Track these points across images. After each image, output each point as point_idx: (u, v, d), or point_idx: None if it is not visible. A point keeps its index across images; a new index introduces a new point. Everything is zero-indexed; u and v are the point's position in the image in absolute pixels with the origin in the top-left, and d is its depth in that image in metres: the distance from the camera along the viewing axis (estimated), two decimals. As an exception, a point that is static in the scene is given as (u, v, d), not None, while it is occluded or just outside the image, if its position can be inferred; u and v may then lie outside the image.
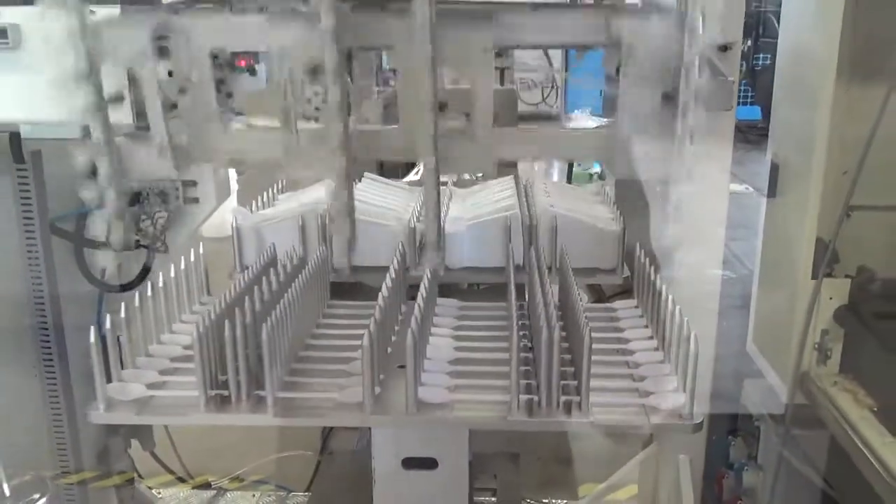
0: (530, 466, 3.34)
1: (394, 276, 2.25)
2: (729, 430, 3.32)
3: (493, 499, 2.81)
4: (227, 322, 1.85)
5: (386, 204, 2.90)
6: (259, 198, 2.92)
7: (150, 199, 2.66)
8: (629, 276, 2.62)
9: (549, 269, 2.44)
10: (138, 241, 2.56)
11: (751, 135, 5.57)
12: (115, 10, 1.92)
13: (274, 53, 1.85)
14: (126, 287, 2.66)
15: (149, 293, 2.18)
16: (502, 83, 4.89)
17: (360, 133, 2.00)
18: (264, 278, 2.15)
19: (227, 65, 2.12)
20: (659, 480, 3.27)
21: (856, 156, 2.54)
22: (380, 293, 2.08)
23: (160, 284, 2.24)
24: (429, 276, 2.25)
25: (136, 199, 2.64)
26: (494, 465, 2.82)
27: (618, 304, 2.51)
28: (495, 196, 2.94)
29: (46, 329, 2.71)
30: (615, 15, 1.84)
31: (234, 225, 2.65)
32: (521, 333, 2.03)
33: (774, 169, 2.90)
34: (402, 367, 1.95)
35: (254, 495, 3.87)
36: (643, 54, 1.76)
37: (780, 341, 2.88)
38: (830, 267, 2.70)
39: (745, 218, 3.54)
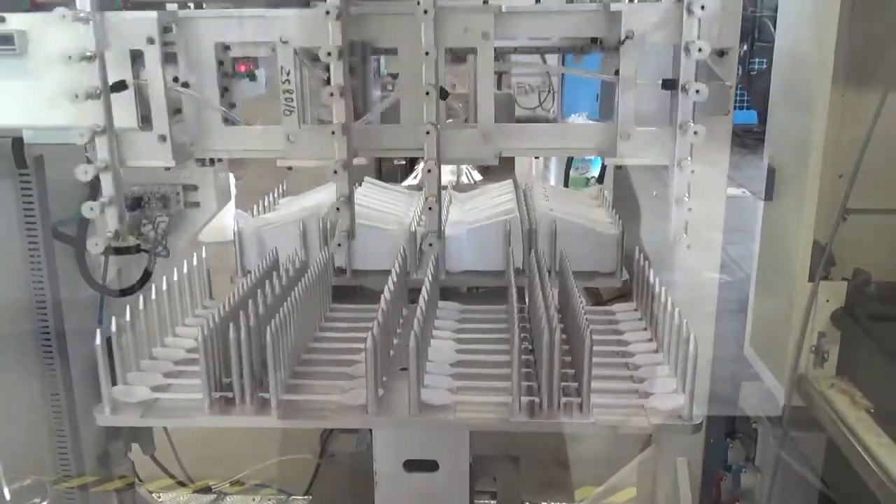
0: (530, 469, 3.34)
1: (395, 279, 2.26)
2: (727, 433, 3.33)
3: (494, 501, 2.82)
4: (231, 325, 1.87)
5: (386, 208, 2.91)
6: (260, 202, 2.93)
7: (152, 203, 2.68)
8: (627, 279, 2.65)
9: (549, 272, 2.46)
10: (139, 245, 2.57)
11: (747, 139, 5.59)
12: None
13: (277, 40, 1.86)
14: (127, 291, 2.67)
15: (153, 296, 2.19)
16: (500, 87, 4.92)
17: (363, 129, 2.01)
18: (267, 282, 2.16)
19: (229, 74, 2.14)
20: (657, 483, 3.28)
21: (851, 159, 2.56)
22: (382, 296, 2.10)
23: (164, 288, 2.26)
24: (430, 279, 2.26)
25: (137, 203, 2.66)
26: (494, 468, 2.83)
27: (617, 306, 2.53)
28: (495, 200, 2.97)
29: (48, 333, 2.71)
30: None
31: (235, 229, 2.67)
32: (521, 336, 2.04)
33: (771, 172, 2.92)
34: (405, 369, 1.98)
35: (254, 499, 3.88)
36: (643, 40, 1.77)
37: (777, 344, 2.89)
38: (827, 270, 2.72)
39: (742, 221, 3.56)
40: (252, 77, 3.31)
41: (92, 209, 2.06)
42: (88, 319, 2.75)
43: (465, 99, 2.80)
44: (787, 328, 2.79)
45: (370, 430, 2.35)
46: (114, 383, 1.95)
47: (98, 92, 1.82)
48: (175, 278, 2.33)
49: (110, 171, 1.95)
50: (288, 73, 1.86)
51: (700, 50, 1.60)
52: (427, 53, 1.76)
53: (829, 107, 2.59)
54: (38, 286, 2.66)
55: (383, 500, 2.26)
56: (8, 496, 2.74)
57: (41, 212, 2.60)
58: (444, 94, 1.84)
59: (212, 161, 2.66)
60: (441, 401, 1.94)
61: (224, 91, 2.08)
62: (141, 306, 2.12)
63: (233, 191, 2.87)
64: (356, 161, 2.01)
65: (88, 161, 2.56)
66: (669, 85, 1.76)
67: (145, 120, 2.03)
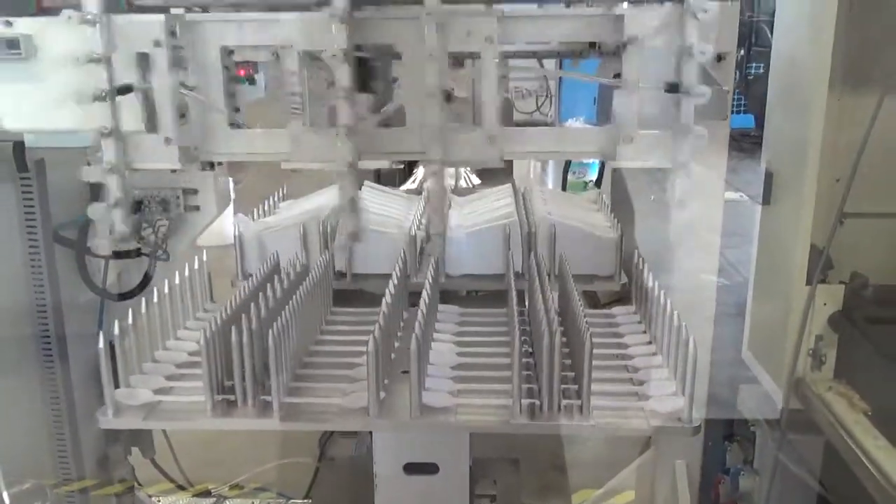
0: (529, 472, 3.35)
1: (396, 282, 2.27)
2: (725, 436, 3.33)
3: (493, 504, 2.83)
4: (233, 328, 1.88)
5: (385, 212, 2.93)
6: (261, 206, 2.94)
7: (152, 207, 2.68)
8: (626, 282, 2.66)
9: (549, 275, 2.48)
10: (139, 249, 2.58)
11: (744, 143, 5.61)
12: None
13: (282, 43, 1.86)
14: (127, 295, 2.67)
15: (155, 300, 2.20)
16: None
17: (368, 132, 2.01)
18: (269, 285, 2.17)
19: (233, 79, 2.14)
20: (656, 486, 3.29)
21: (848, 163, 2.58)
22: (383, 300, 2.11)
23: (165, 291, 2.27)
24: (430, 282, 2.28)
25: (137, 207, 2.66)
26: (494, 471, 2.84)
27: (616, 309, 2.55)
28: (494, 204, 2.98)
29: (48, 337, 2.71)
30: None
31: (236, 233, 2.68)
32: (522, 339, 2.06)
33: (769, 176, 2.93)
34: (406, 372, 1.99)
35: (253, 503, 3.88)
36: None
37: (775, 347, 2.90)
38: (824, 273, 2.73)
39: (739, 225, 3.58)
40: (252, 81, 3.33)
41: (97, 211, 2.06)
42: (88, 323, 2.75)
43: (465, 103, 2.81)
44: (784, 331, 2.80)
45: (370, 434, 2.35)
46: (116, 386, 1.96)
47: (104, 95, 1.82)
48: (177, 281, 2.34)
49: (116, 173, 1.95)
50: (293, 77, 1.87)
51: (703, 53, 1.61)
52: (430, 56, 1.77)
53: (826, 111, 2.60)
54: (38, 290, 2.65)
55: (383, 503, 2.27)
56: (7, 500, 2.74)
57: (42, 216, 2.60)
58: (448, 97, 1.84)
59: (212, 165, 2.67)
60: (442, 403, 1.95)
61: (230, 95, 2.09)
62: (143, 309, 2.13)
63: (231, 195, 2.88)
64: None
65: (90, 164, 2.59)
66: (673, 88, 1.77)
67: (151, 123, 2.03)
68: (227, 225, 2.77)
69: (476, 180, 4.61)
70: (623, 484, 3.30)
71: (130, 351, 2.03)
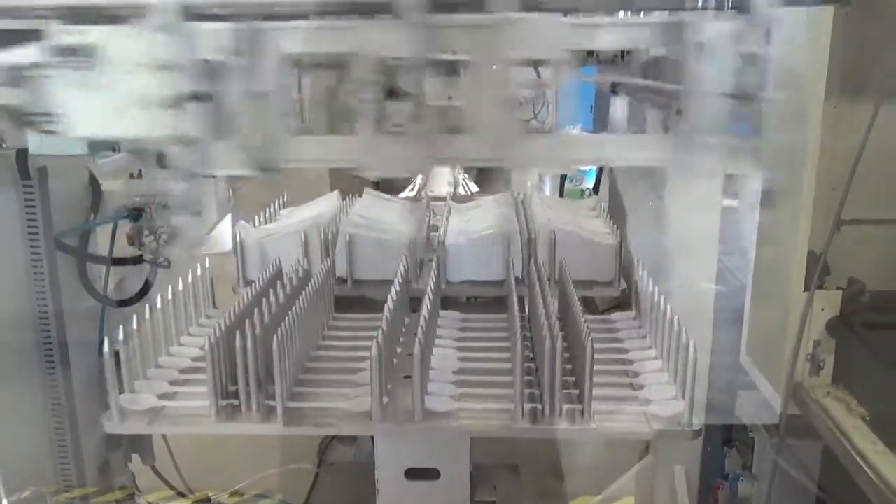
0: (528, 478, 3.36)
1: (398, 288, 2.29)
2: (724, 442, 3.35)
3: (494, 510, 2.84)
4: (238, 333, 1.89)
5: (387, 219, 2.95)
6: (262, 213, 2.96)
7: (153, 214, 2.69)
8: (625, 288, 2.68)
9: (549, 281, 2.49)
10: (140, 255, 2.59)
11: (740, 151, 5.61)
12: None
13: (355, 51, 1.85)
14: (127, 302, 2.68)
15: (158, 306, 2.21)
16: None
17: (440, 138, 2.01)
18: (271, 291, 2.19)
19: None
20: (655, 492, 3.30)
21: (845, 170, 2.60)
22: (386, 305, 2.13)
23: (169, 297, 2.28)
24: (432, 288, 2.29)
25: (138, 214, 2.68)
26: (495, 477, 2.85)
27: (616, 315, 2.57)
28: (494, 211, 3.00)
29: (50, 344, 2.72)
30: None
31: (238, 239, 2.69)
32: (524, 343, 2.07)
33: (766, 183, 2.96)
34: (408, 377, 2.00)
35: (253, 509, 3.88)
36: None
37: (773, 353, 2.92)
38: (822, 279, 2.74)
39: (735, 232, 3.59)
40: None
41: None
42: (89, 330, 2.75)
43: (459, 110, 2.83)
44: (782, 337, 2.82)
45: (371, 439, 2.36)
46: (120, 391, 1.97)
47: (175, 102, 1.80)
48: (180, 288, 2.35)
49: (187, 182, 1.95)
50: (365, 85, 1.85)
51: (768, 60, 1.62)
52: (501, 64, 1.77)
53: (822, 118, 2.62)
54: (40, 296, 2.66)
55: (385, 509, 2.28)
56: (7, 508, 2.74)
57: (44, 223, 2.61)
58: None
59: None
60: (444, 408, 1.97)
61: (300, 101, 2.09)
62: (147, 315, 2.14)
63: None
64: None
65: (91, 174, 2.60)
66: (742, 96, 1.77)
67: (221, 130, 2.02)
68: (224, 232, 2.78)
69: (474, 188, 4.63)
70: (622, 490, 3.31)
71: (134, 356, 2.04)
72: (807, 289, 2.73)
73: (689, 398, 1.92)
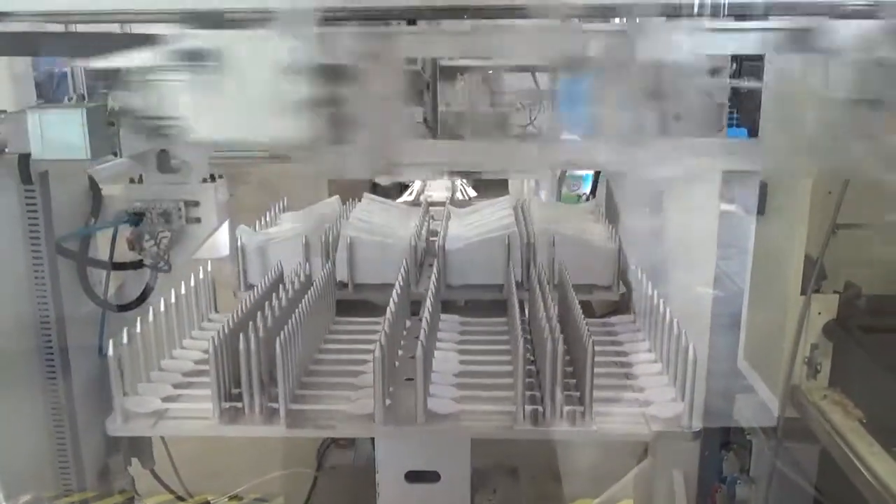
0: (528, 481, 3.37)
1: (399, 292, 2.31)
2: (722, 445, 3.36)
3: (494, 513, 2.85)
4: (241, 336, 1.90)
5: (386, 223, 2.96)
6: (263, 217, 2.97)
7: (153, 219, 2.70)
8: (624, 292, 2.70)
9: (549, 284, 2.51)
10: (141, 260, 2.60)
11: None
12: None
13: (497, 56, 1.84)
14: (128, 307, 2.69)
15: (162, 309, 2.22)
16: (492, 105, 4.97)
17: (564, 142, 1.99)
18: (274, 295, 2.20)
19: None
20: (653, 495, 3.31)
21: (841, 175, 2.63)
22: (388, 308, 2.14)
23: (172, 301, 2.29)
24: (433, 292, 2.31)
25: (139, 219, 2.69)
26: (494, 480, 2.86)
27: (614, 318, 2.58)
28: (493, 215, 3.02)
29: (51, 348, 2.73)
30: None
31: (239, 244, 2.70)
32: (525, 346, 2.09)
33: (763, 188, 2.98)
34: (410, 379, 2.02)
35: (252, 513, 3.88)
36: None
37: (770, 356, 2.94)
38: (818, 283, 2.77)
39: (733, 237, 3.62)
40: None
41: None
42: (89, 335, 2.76)
43: (460, 116, 2.86)
44: (780, 340, 2.84)
45: (370, 443, 2.37)
46: (123, 394, 1.98)
47: (303, 106, 1.80)
48: (182, 291, 2.37)
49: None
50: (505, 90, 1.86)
51: None
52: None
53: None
54: (41, 301, 2.67)
55: (385, 511, 2.29)
56: (6, 514, 2.74)
57: (46, 227, 2.62)
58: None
59: (212, 177, 2.71)
60: (447, 410, 1.98)
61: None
62: (150, 318, 2.15)
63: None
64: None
65: (92, 178, 2.61)
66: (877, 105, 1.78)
67: (345, 134, 2.02)
68: (221, 237, 2.79)
69: (472, 193, 4.65)
70: (621, 493, 3.32)
71: (138, 359, 2.05)
72: (804, 293, 2.75)
73: (689, 400, 1.94)
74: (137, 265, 2.63)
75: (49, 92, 4.26)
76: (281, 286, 2.33)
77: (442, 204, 3.45)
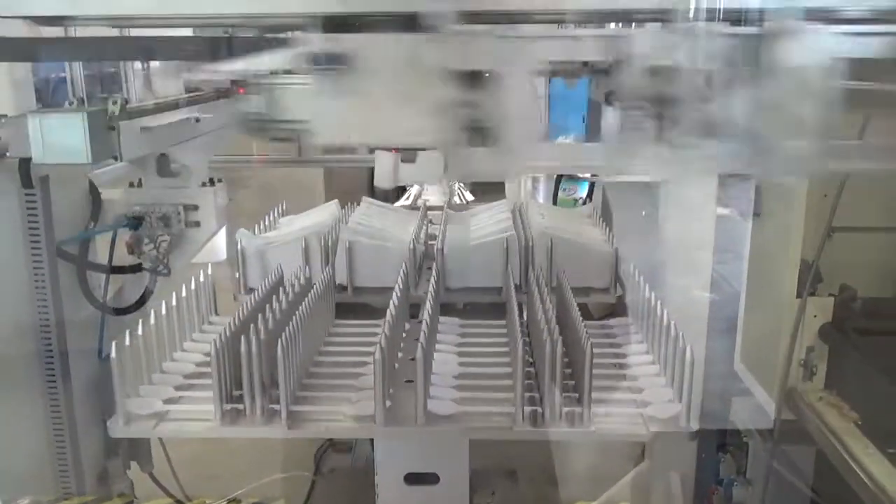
0: (528, 483, 3.39)
1: (399, 294, 2.32)
2: (718, 447, 3.38)
3: (493, 515, 2.86)
4: (243, 338, 1.92)
5: (385, 226, 2.98)
6: (261, 221, 2.98)
7: (153, 222, 2.71)
8: (621, 295, 2.71)
9: (547, 287, 2.53)
10: (140, 264, 2.61)
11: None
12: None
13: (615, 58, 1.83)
14: (127, 310, 2.69)
15: (163, 312, 2.23)
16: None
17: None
18: (274, 298, 2.21)
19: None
20: (651, 497, 3.32)
21: (836, 179, 2.65)
22: (388, 310, 2.16)
23: (173, 304, 2.30)
24: (432, 294, 2.33)
25: (138, 222, 2.70)
26: (493, 482, 2.87)
27: (612, 321, 2.60)
28: (492, 219, 3.03)
29: (51, 352, 2.73)
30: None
31: (238, 247, 2.72)
32: (524, 349, 2.10)
33: (758, 191, 3.00)
34: (410, 381, 2.03)
35: (250, 517, 3.88)
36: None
37: (767, 359, 2.96)
38: (814, 286, 2.79)
39: (729, 240, 3.63)
40: (254, 98, 3.37)
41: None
42: (89, 339, 2.77)
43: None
44: (776, 343, 2.86)
45: (370, 446, 2.38)
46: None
47: (436, 109, 1.79)
48: (183, 294, 2.38)
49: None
50: (636, 92, 1.85)
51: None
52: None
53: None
54: (42, 305, 2.68)
55: (383, 514, 2.30)
56: (4, 517, 2.74)
57: (46, 231, 2.63)
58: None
59: (212, 181, 2.72)
60: (446, 411, 1.99)
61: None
62: (152, 320, 2.16)
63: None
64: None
65: (91, 182, 2.63)
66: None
67: (478, 136, 2.01)
68: (219, 242, 2.80)
69: (469, 197, 4.67)
70: (618, 495, 3.33)
71: (139, 361, 2.07)
72: (799, 296, 2.77)
73: (686, 401, 1.96)
74: (136, 269, 2.64)
75: (46, 97, 4.28)
76: (281, 289, 2.34)
77: (439, 208, 3.46)
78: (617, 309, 2.78)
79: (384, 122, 1.83)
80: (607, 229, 2.97)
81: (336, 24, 1.80)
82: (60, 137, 2.18)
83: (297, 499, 3.72)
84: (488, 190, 5.33)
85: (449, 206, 3.69)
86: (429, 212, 3.35)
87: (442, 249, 2.68)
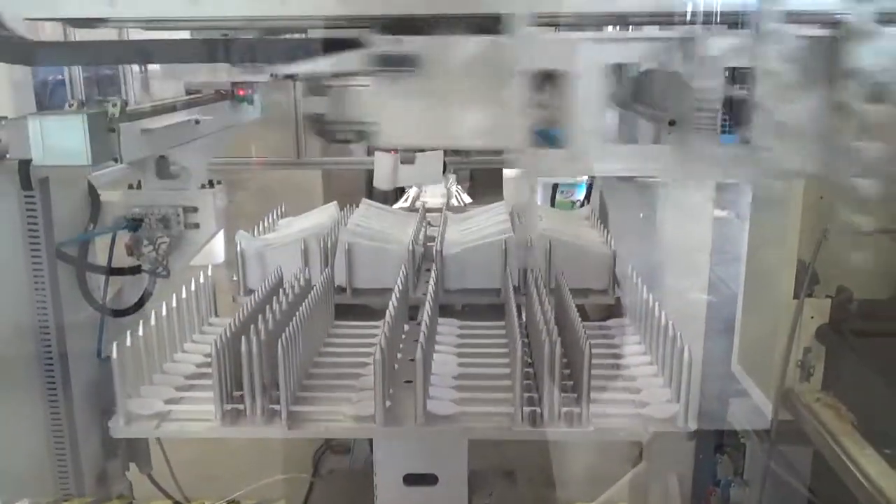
0: (526, 484, 3.39)
1: (399, 296, 2.33)
2: (716, 448, 3.39)
3: (491, 515, 2.86)
4: (244, 338, 1.92)
5: (384, 228, 2.99)
6: (260, 223, 2.99)
7: (152, 224, 2.72)
8: (619, 296, 2.73)
9: (546, 288, 2.54)
10: (139, 266, 2.62)
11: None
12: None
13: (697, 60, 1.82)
14: (125, 312, 2.70)
15: (163, 313, 2.24)
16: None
17: None
18: (274, 299, 2.22)
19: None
20: (649, 498, 3.33)
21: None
22: (387, 311, 2.17)
23: (173, 305, 2.31)
24: (432, 296, 2.34)
25: (137, 224, 2.70)
26: (491, 483, 2.88)
27: (610, 322, 2.61)
28: (490, 220, 3.04)
29: (50, 354, 2.73)
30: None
31: (238, 249, 2.72)
32: (523, 350, 2.11)
33: (756, 193, 3.01)
34: (409, 382, 2.04)
35: (249, 518, 3.88)
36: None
37: (764, 360, 2.97)
38: (811, 287, 2.80)
39: (727, 242, 3.65)
40: (250, 101, 3.39)
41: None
42: (88, 340, 2.78)
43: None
44: (773, 344, 2.87)
45: (368, 447, 2.39)
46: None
47: (505, 110, 1.78)
48: (183, 296, 2.39)
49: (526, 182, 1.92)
50: (708, 93, 1.84)
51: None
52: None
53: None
54: (41, 306, 2.68)
55: (382, 514, 2.30)
56: (2, 520, 2.74)
57: (46, 233, 2.63)
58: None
59: (211, 183, 2.73)
60: (446, 411, 2.00)
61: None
62: (153, 321, 2.17)
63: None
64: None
65: (90, 184, 2.63)
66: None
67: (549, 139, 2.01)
68: (217, 244, 2.81)
69: (467, 199, 4.68)
70: (616, 497, 3.34)
71: (140, 362, 2.07)
72: (796, 297, 2.79)
73: (684, 401, 1.97)
74: (136, 270, 2.65)
75: (44, 99, 4.28)
76: (281, 290, 2.35)
77: (438, 210, 3.48)
78: (614, 312, 2.79)
79: (452, 123, 1.84)
80: (605, 231, 2.98)
81: (402, 25, 1.80)
82: (61, 139, 2.19)
83: (296, 501, 3.72)
84: (486, 192, 5.34)
85: (447, 207, 3.70)
86: (427, 213, 3.36)
87: (441, 251, 2.69)
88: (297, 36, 2.01)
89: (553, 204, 5.95)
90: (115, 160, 2.34)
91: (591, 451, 3.24)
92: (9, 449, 2.74)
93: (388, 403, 2.01)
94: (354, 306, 2.73)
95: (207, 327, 2.52)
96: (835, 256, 2.85)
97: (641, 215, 3.62)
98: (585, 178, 4.58)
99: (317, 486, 3.43)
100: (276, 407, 1.97)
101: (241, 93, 3.23)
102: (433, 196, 4.46)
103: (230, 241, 2.84)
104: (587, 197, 4.01)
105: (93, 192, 2.64)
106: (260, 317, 2.04)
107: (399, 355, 2.32)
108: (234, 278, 2.85)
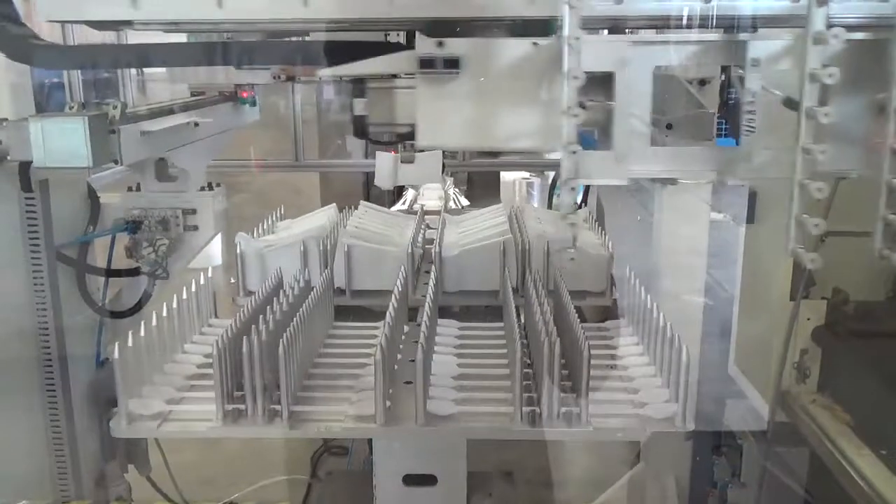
0: (525, 485, 3.40)
1: (398, 297, 2.34)
2: (713, 450, 3.41)
3: (490, 516, 2.87)
4: (245, 338, 1.93)
5: (383, 230, 3.00)
6: (259, 225, 3.00)
7: (151, 226, 2.73)
8: (617, 298, 2.74)
9: (544, 289, 2.55)
10: (138, 267, 2.63)
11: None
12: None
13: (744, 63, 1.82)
14: (124, 314, 2.71)
15: (164, 314, 2.25)
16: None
17: None
18: (275, 300, 2.23)
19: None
20: (647, 500, 3.35)
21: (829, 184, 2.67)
22: (387, 312, 2.18)
23: (174, 306, 2.32)
24: (431, 296, 2.35)
25: (137, 226, 2.71)
26: (490, 484, 2.89)
27: (608, 323, 2.63)
28: (488, 222, 3.06)
29: (49, 356, 2.74)
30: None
31: (238, 251, 2.74)
32: (522, 351, 2.12)
33: (752, 196, 3.03)
34: (409, 382, 2.05)
35: (248, 518, 3.90)
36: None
37: (760, 362, 2.99)
38: (807, 290, 2.82)
39: (724, 245, 3.66)
40: (252, 103, 3.41)
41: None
42: (87, 342, 2.78)
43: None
44: (770, 346, 2.89)
45: (368, 448, 2.39)
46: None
47: (562, 112, 1.78)
48: (184, 297, 2.40)
49: (568, 187, 1.91)
50: (753, 95, 1.84)
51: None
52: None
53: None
54: (41, 307, 2.69)
55: (381, 515, 2.31)
56: (0, 524, 2.74)
57: (46, 235, 2.64)
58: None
59: (210, 186, 2.74)
60: (446, 411, 2.01)
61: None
62: (154, 322, 2.18)
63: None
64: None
65: (90, 186, 2.64)
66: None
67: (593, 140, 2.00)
68: (214, 246, 2.82)
69: (465, 202, 4.70)
70: (614, 498, 3.36)
71: (141, 363, 2.08)
72: (793, 299, 2.80)
73: (683, 400, 1.98)
74: (135, 272, 2.66)
75: (42, 101, 4.28)
76: (281, 292, 2.37)
77: (436, 212, 3.49)
78: (611, 314, 2.80)
79: (498, 125, 1.84)
80: (602, 234, 2.99)
81: (445, 28, 1.81)
82: (61, 141, 2.20)
83: (295, 501, 3.74)
84: (485, 195, 5.36)
85: (445, 209, 3.72)
86: (425, 216, 3.38)
87: (440, 253, 2.71)
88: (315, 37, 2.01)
89: (550, 206, 5.97)
90: (116, 162, 2.35)
91: (590, 453, 3.27)
92: (8, 451, 2.74)
93: (388, 404, 2.02)
94: (354, 308, 2.74)
95: (207, 329, 2.53)
96: (831, 258, 2.86)
97: (639, 218, 3.64)
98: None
99: (315, 487, 3.45)
100: (277, 407, 1.98)
101: (244, 94, 3.25)
102: (431, 198, 4.48)
103: (229, 244, 2.85)
104: (584, 199, 4.02)
105: (92, 194, 2.65)
106: (261, 317, 2.05)
107: (399, 356, 2.33)
108: (233, 280, 2.86)
